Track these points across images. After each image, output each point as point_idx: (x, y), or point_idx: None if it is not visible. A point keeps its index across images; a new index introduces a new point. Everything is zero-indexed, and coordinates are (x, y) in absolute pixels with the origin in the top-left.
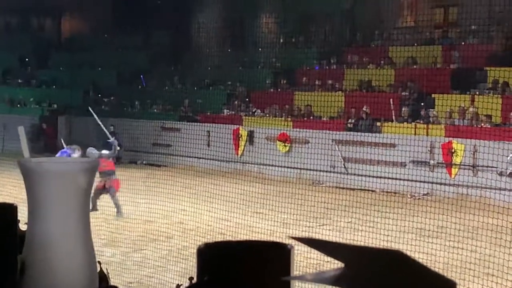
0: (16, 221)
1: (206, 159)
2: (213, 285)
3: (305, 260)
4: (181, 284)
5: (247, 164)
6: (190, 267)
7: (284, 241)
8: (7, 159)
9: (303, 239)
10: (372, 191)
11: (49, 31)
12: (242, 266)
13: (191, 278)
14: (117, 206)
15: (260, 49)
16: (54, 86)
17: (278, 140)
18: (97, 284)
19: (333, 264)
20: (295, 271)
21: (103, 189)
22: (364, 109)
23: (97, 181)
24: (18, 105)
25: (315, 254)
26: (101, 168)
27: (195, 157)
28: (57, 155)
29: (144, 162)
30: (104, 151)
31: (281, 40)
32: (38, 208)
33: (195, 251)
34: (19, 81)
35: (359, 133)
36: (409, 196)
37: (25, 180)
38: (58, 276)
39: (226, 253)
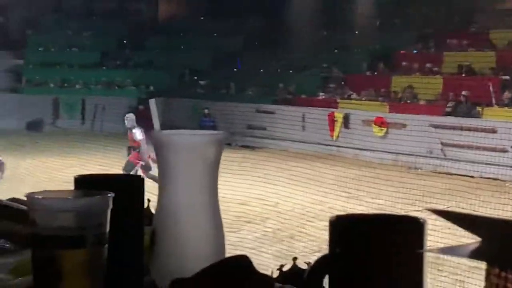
0: (143, 193)
1: (301, 142)
2: (345, 257)
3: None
4: (284, 264)
5: (342, 148)
6: (285, 249)
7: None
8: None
9: (439, 211)
10: (471, 177)
11: (146, 15)
12: (375, 238)
13: (294, 258)
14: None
15: (357, 32)
16: (150, 69)
17: (374, 124)
18: (224, 254)
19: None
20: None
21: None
22: (463, 93)
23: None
24: (116, 87)
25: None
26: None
27: (290, 140)
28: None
29: (238, 144)
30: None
31: (379, 23)
32: (168, 179)
33: (290, 233)
34: (117, 63)
35: (457, 118)
36: (509, 184)
37: (156, 151)
38: (187, 245)
39: (358, 225)
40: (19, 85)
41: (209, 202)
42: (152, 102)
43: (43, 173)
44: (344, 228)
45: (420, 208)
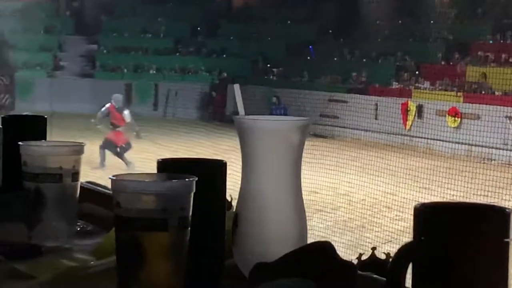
0: (226, 177)
1: (373, 131)
2: (430, 245)
3: None
4: (363, 253)
5: (415, 138)
6: (356, 239)
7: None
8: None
9: None
10: None
11: (220, 1)
12: (459, 227)
13: (373, 248)
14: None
15: (432, 21)
16: (224, 56)
17: (448, 115)
18: (306, 239)
19: None
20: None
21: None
22: None
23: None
24: (189, 73)
25: None
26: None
27: (362, 130)
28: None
29: (310, 133)
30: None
31: (455, 13)
32: (252, 164)
33: (361, 223)
34: (190, 50)
35: None
36: None
37: (240, 136)
38: (270, 229)
39: (443, 213)
40: (93, 70)
41: (292, 187)
42: (237, 87)
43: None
44: (429, 216)
45: (495, 200)
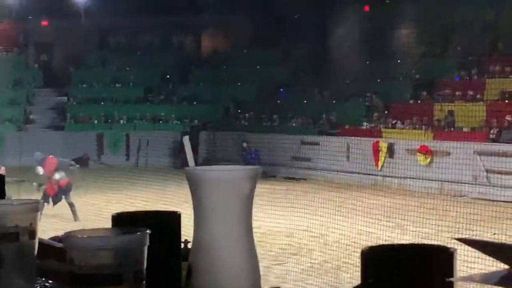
0: (180, 228)
1: (346, 172)
2: (378, 287)
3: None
4: None
5: (388, 177)
6: (331, 281)
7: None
8: (158, 172)
9: (467, 240)
10: None
11: (190, 48)
12: (406, 268)
13: None
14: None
15: (399, 61)
16: (195, 102)
17: (419, 153)
18: (260, 286)
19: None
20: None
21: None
22: (507, 118)
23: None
24: (160, 122)
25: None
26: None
27: (335, 171)
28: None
29: (283, 176)
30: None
31: (421, 51)
32: (204, 214)
33: (336, 265)
34: (161, 97)
35: (502, 144)
36: None
37: (191, 187)
38: (223, 278)
39: (390, 255)
40: (64, 122)
41: (244, 235)
42: (186, 139)
43: (89, 210)
44: (375, 259)
45: (467, 235)
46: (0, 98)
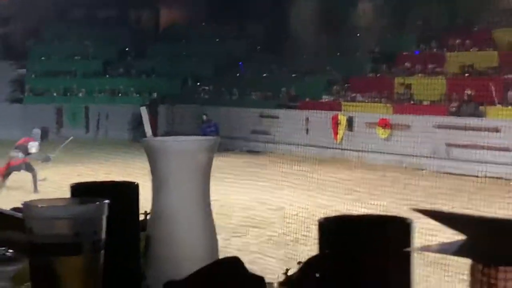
0: (138, 199)
1: (305, 145)
2: (334, 257)
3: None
4: (289, 269)
5: (347, 151)
6: (291, 253)
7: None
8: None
9: (426, 211)
10: (475, 176)
11: (148, 22)
12: (363, 238)
13: (299, 262)
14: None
15: (358, 35)
16: (153, 76)
17: (378, 126)
18: (218, 256)
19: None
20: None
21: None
22: (467, 92)
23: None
24: (119, 95)
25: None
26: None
27: (294, 144)
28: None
29: (243, 150)
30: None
31: (380, 25)
32: (161, 185)
33: (295, 237)
34: (120, 71)
35: (461, 118)
36: None
37: (149, 158)
38: (181, 248)
39: (346, 226)
40: (22, 95)
41: (201, 206)
42: (143, 110)
43: (49, 183)
44: (331, 229)
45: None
46: None
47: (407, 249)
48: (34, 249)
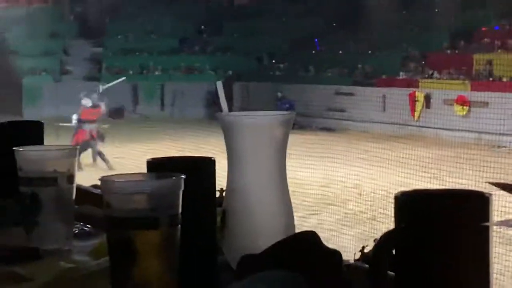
0: (215, 174)
1: (381, 123)
2: (410, 232)
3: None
4: (366, 246)
5: (424, 128)
6: (367, 231)
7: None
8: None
9: (501, 184)
10: None
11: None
12: (438, 213)
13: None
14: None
15: (437, 10)
16: (228, 53)
17: (456, 103)
18: (294, 230)
19: None
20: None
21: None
22: None
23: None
24: (195, 72)
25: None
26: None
27: (370, 122)
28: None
29: (318, 127)
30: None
31: (459, 0)
32: (237, 160)
33: (371, 215)
34: (195, 48)
35: None
36: None
37: (224, 133)
38: (257, 223)
39: (423, 201)
40: (99, 73)
41: (277, 181)
42: (219, 85)
43: (128, 160)
44: (408, 204)
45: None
46: (36, 49)
47: (485, 224)
48: (111, 224)
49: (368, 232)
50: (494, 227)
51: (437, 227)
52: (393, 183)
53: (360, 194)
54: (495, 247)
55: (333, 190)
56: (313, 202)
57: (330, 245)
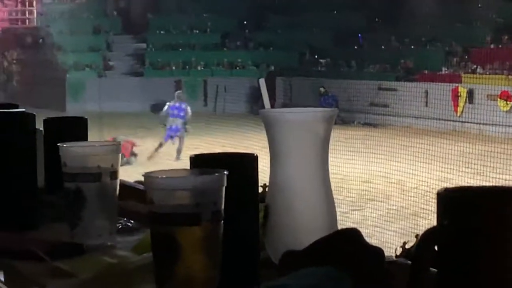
0: (257, 170)
1: (424, 118)
2: (452, 229)
3: None
4: (407, 242)
5: (467, 124)
6: (409, 227)
7: None
8: (236, 118)
9: None
10: None
11: None
12: (481, 210)
13: (417, 235)
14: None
15: (480, 5)
16: (271, 48)
17: (500, 98)
18: (336, 227)
19: None
20: None
21: None
22: None
23: None
24: (237, 68)
25: None
26: None
27: (412, 117)
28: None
29: (361, 122)
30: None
31: None
32: (280, 156)
33: (414, 211)
34: (238, 44)
35: None
36: None
37: (266, 129)
38: (300, 218)
39: (466, 198)
40: (142, 68)
41: (319, 177)
42: (262, 82)
43: (168, 155)
44: (451, 201)
45: None
46: (80, 44)
47: None
48: (154, 220)
49: (411, 227)
50: None
51: (479, 225)
52: (436, 179)
53: (403, 190)
54: None
55: (376, 185)
56: (356, 197)
57: (373, 241)
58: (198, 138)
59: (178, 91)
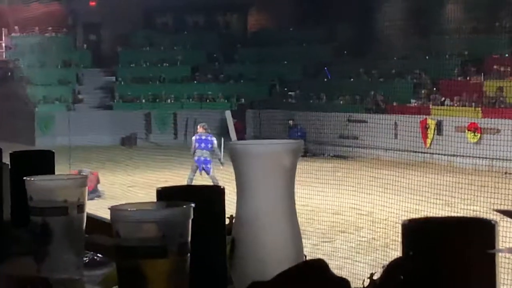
0: (224, 202)
1: (393, 150)
2: (418, 259)
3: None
4: (374, 273)
5: (436, 155)
6: (380, 258)
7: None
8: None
9: (508, 211)
10: None
11: (236, 27)
12: (445, 240)
13: (383, 266)
14: None
15: (447, 37)
16: (241, 81)
17: (468, 130)
18: (302, 258)
19: None
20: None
21: None
22: None
23: None
24: (207, 101)
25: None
26: None
27: (382, 149)
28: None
29: (330, 154)
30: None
31: (469, 28)
32: (246, 188)
33: (384, 242)
34: (208, 76)
35: None
36: None
37: (233, 162)
38: (266, 251)
39: (429, 227)
40: (112, 102)
41: (286, 208)
42: (228, 114)
43: (141, 189)
44: (415, 231)
45: None
46: (49, 78)
47: (491, 251)
48: (121, 253)
49: (382, 259)
50: (504, 254)
51: (442, 255)
52: (405, 210)
53: (373, 222)
54: (504, 273)
55: (346, 217)
56: (327, 229)
57: (344, 272)
58: (168, 171)
59: (202, 123)
